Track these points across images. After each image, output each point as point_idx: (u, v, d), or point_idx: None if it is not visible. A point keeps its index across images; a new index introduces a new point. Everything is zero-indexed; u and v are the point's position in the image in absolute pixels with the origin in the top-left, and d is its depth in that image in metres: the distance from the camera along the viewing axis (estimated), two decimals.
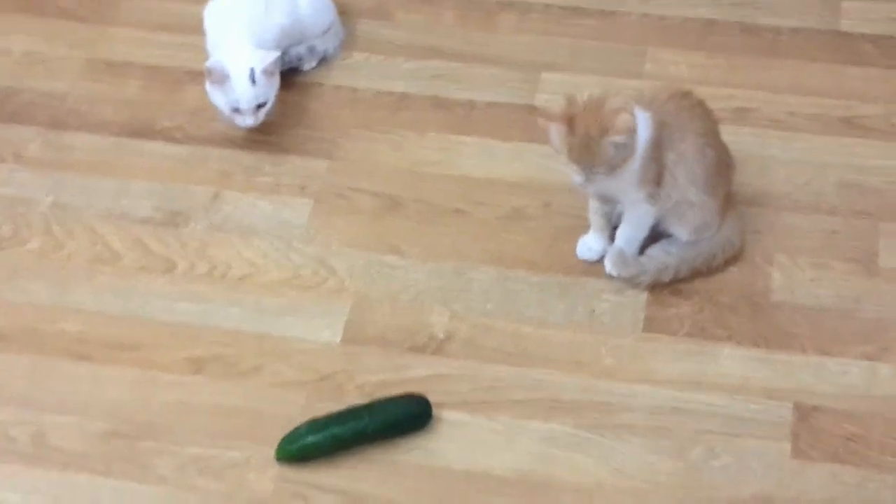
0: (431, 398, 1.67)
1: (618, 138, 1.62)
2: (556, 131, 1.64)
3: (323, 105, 2.08)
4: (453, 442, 1.65)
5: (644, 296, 1.80)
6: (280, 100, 2.02)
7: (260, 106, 1.94)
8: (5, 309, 1.80)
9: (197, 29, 2.13)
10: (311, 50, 2.12)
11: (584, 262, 1.85)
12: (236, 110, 1.93)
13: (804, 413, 1.66)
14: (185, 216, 1.92)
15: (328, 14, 2.14)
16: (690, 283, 1.81)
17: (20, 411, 1.68)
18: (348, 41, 2.18)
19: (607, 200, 1.78)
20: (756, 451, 1.63)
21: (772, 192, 1.93)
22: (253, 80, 1.91)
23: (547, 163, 1.97)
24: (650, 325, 1.77)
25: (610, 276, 1.79)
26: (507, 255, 1.86)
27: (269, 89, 1.94)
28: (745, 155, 1.94)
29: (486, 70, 2.14)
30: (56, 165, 1.99)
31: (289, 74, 2.09)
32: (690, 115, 1.75)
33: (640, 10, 2.22)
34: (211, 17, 2.04)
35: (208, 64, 1.92)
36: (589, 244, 1.85)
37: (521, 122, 2.05)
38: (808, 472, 1.61)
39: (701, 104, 1.77)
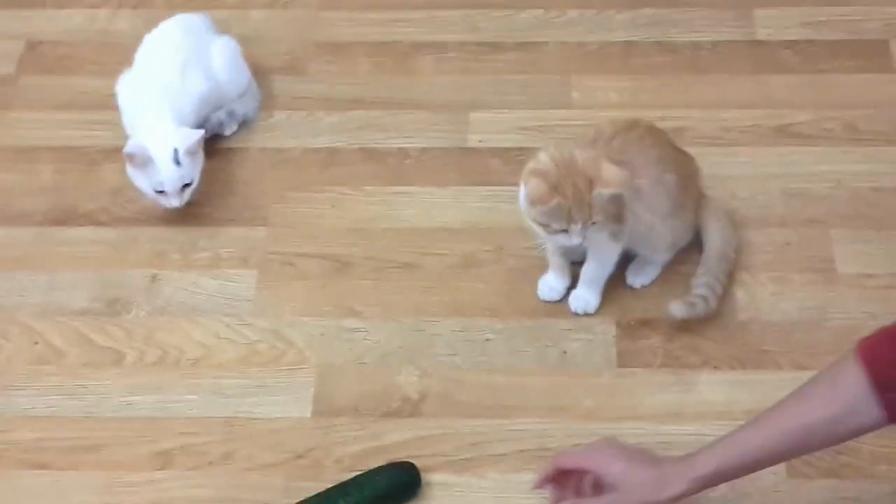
0: (415, 462, 1.62)
1: (609, 192, 1.59)
2: (554, 206, 1.59)
3: (251, 170, 2.01)
4: None
5: (612, 330, 1.77)
6: (206, 169, 1.94)
7: (185, 186, 1.86)
8: None
9: (104, 104, 2.06)
10: (231, 114, 2.05)
11: (547, 302, 1.81)
12: (161, 192, 1.85)
13: None
14: (125, 303, 1.83)
15: (243, 75, 2.07)
16: (655, 313, 1.78)
17: None
18: (266, 101, 2.12)
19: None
20: (751, 477, 1.60)
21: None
22: (177, 162, 1.83)
23: (490, 204, 1.94)
24: (624, 360, 1.74)
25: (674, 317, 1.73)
26: (465, 304, 1.81)
27: (194, 168, 1.87)
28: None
29: (411, 115, 2.09)
30: None
31: (211, 142, 2.02)
32: (640, 146, 1.72)
33: (558, 40, 2.19)
34: (124, 93, 1.96)
35: (128, 149, 1.84)
36: (550, 284, 1.81)
37: (457, 165, 2.01)
38: (806, 490, 1.59)
39: (650, 130, 1.74)
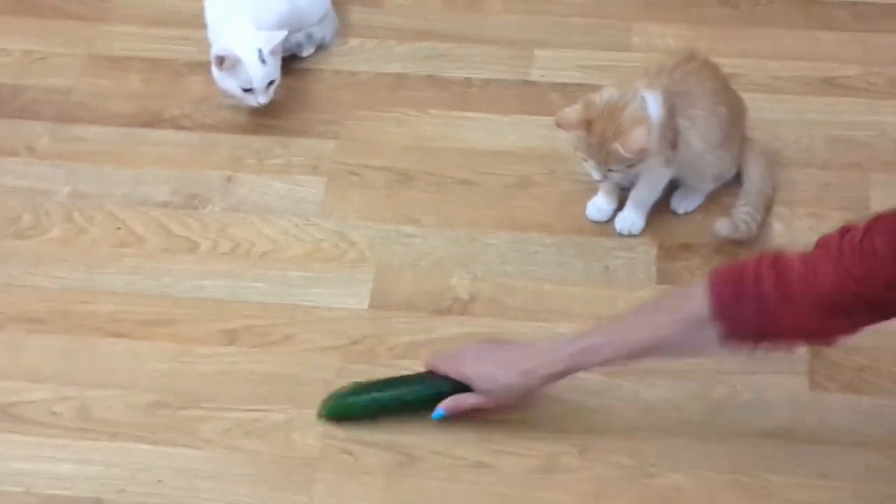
0: None
1: (623, 153, 1.72)
2: (574, 135, 1.74)
3: (325, 89, 2.14)
4: None
5: (654, 251, 1.88)
6: (283, 85, 2.08)
7: (270, 83, 2.00)
8: (37, 294, 1.83)
9: (190, 22, 2.20)
10: (309, 37, 2.18)
11: (594, 223, 1.92)
12: (248, 90, 1.98)
13: (817, 349, 1.74)
14: (203, 199, 1.96)
15: (323, 2, 2.20)
16: (695, 238, 1.89)
17: (62, 388, 1.71)
18: (343, 28, 2.25)
19: None
20: (775, 386, 1.71)
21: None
22: (263, 61, 1.97)
23: (547, 133, 2.04)
24: (663, 277, 1.85)
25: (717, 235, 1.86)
26: (519, 219, 1.93)
27: (277, 67, 2.01)
28: None
29: (478, 49, 2.21)
30: (69, 157, 2.02)
31: (289, 61, 2.15)
32: (697, 78, 1.83)
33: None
34: (212, 7, 2.09)
35: (218, 52, 1.97)
36: (598, 206, 1.93)
37: (519, 96, 2.12)
38: (825, 402, 1.69)
39: (706, 63, 1.85)
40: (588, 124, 1.74)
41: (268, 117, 2.08)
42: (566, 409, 1.69)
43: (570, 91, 2.12)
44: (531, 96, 2.13)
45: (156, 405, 1.69)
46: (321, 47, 2.21)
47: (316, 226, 1.92)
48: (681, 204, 1.93)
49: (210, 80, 2.10)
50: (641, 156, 1.75)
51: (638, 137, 1.72)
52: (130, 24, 2.26)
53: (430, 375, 1.67)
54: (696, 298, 1.43)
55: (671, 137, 1.80)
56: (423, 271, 1.86)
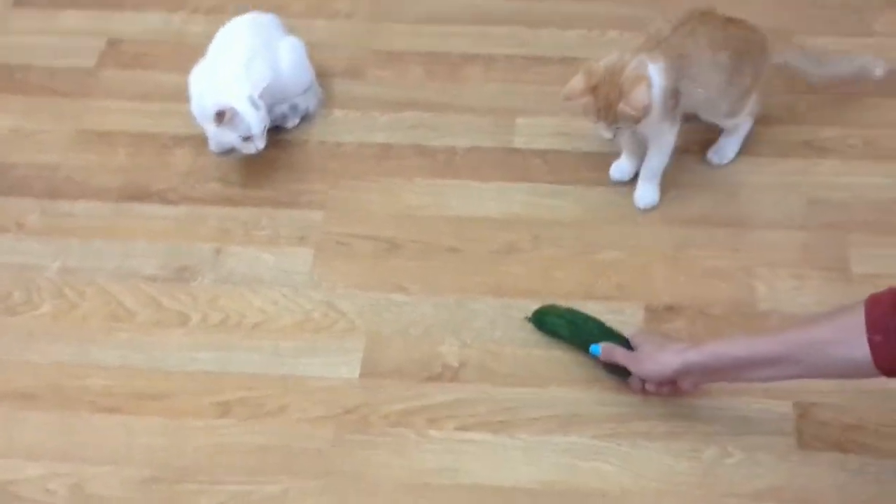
0: (450, 422, 1.76)
1: (629, 111, 1.84)
2: (582, 103, 1.88)
3: (310, 159, 2.17)
4: (479, 461, 1.73)
5: (641, 313, 1.91)
6: (269, 156, 2.11)
7: (264, 128, 2.06)
8: (29, 370, 1.84)
9: (175, 97, 2.22)
10: (294, 108, 2.21)
11: (617, 182, 2.09)
12: (248, 139, 2.03)
13: (804, 409, 1.77)
14: (192, 272, 1.98)
15: (307, 73, 2.24)
16: (681, 300, 1.92)
17: (56, 465, 1.72)
18: (327, 100, 2.28)
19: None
20: (765, 446, 1.74)
21: (744, 212, 2.06)
22: (256, 106, 2.02)
23: (530, 199, 2.09)
24: None
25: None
26: (505, 285, 1.96)
27: (266, 111, 2.06)
28: (717, 181, 2.09)
29: (460, 118, 2.25)
30: (58, 232, 2.04)
31: (274, 133, 2.18)
32: (692, 38, 1.94)
33: (600, 57, 2.33)
34: (195, 80, 2.12)
35: (217, 107, 2.00)
36: (622, 167, 2.09)
37: (502, 164, 2.16)
38: (814, 462, 1.72)
39: (702, 18, 1.96)
40: (593, 90, 1.86)
41: (254, 189, 2.10)
42: (559, 469, 1.70)
43: (551, 157, 2.16)
44: (514, 164, 2.16)
45: (150, 480, 1.70)
46: (306, 118, 2.24)
47: (305, 296, 1.94)
48: (716, 155, 2.11)
49: (196, 153, 2.14)
50: (646, 112, 1.86)
51: (640, 95, 1.83)
52: (116, 100, 2.28)
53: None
54: (850, 312, 1.47)
55: (674, 102, 1.93)
56: (413, 339, 1.88)
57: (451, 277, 1.97)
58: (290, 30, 2.29)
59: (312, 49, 2.28)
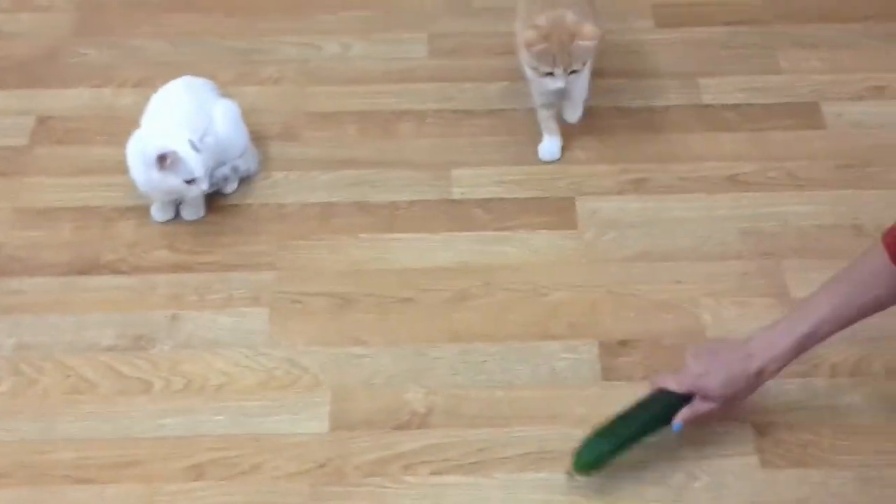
0: (425, 468, 1.80)
1: (586, 43, 2.11)
2: (539, 49, 2.11)
3: (255, 222, 2.19)
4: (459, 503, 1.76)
5: (595, 349, 1.97)
6: (213, 221, 2.14)
7: (207, 171, 2.10)
8: None
9: (114, 169, 2.23)
10: (235, 170, 2.24)
11: (549, 163, 2.28)
12: (191, 181, 2.06)
13: (762, 430, 1.84)
14: (149, 339, 1.99)
15: (243, 134, 2.27)
16: (632, 335, 1.98)
17: None
18: (265, 164, 2.31)
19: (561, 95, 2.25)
20: (729, 468, 1.80)
21: (681, 246, 2.14)
22: (197, 150, 2.06)
23: (477, 247, 2.14)
24: (608, 374, 1.93)
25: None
26: (461, 331, 2.00)
27: (206, 154, 2.10)
28: (652, 219, 2.17)
29: (398, 173, 2.29)
30: (9, 310, 2.03)
31: (215, 197, 2.20)
32: None
33: (526, 106, 2.41)
34: (132, 149, 2.13)
35: (160, 152, 2.03)
36: (549, 147, 2.30)
37: (445, 214, 2.21)
38: (778, 479, 1.79)
39: None
40: (546, 37, 2.10)
41: (203, 254, 2.12)
42: None
43: (492, 205, 2.22)
44: (456, 214, 2.22)
45: None
46: (246, 182, 2.27)
47: (265, 355, 1.96)
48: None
49: (140, 223, 2.15)
50: (597, 41, 2.12)
51: (591, 29, 2.11)
52: (52, 176, 2.28)
53: (659, 394, 1.76)
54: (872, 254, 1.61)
55: (588, 59, 2.19)
56: (378, 389, 1.91)
57: (407, 327, 2.01)
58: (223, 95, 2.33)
59: (246, 114, 2.31)
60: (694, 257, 2.11)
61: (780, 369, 1.70)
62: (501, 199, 2.23)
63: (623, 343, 1.98)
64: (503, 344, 1.98)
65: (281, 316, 2.03)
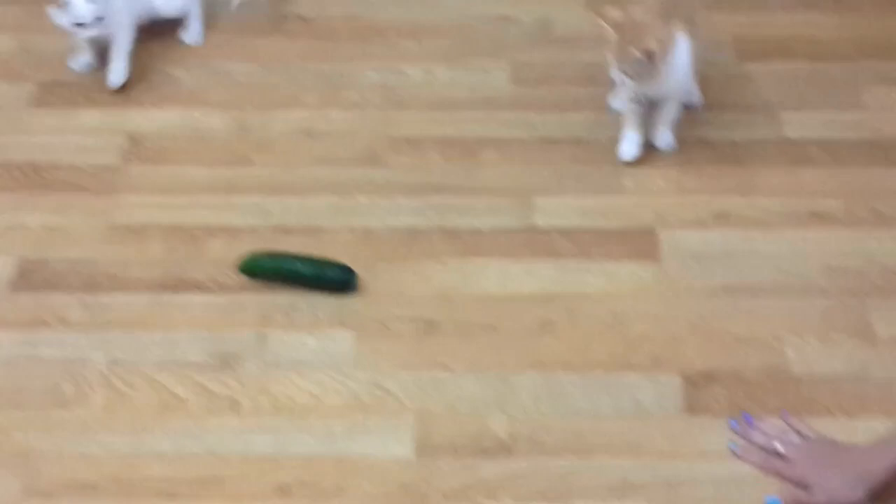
0: (507, 495, 1.82)
1: (633, 51, 2.15)
2: (604, 30, 2.19)
3: (343, 247, 2.22)
4: None
5: (678, 384, 1.97)
6: (301, 245, 2.17)
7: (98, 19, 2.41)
8: (86, 462, 1.86)
9: (200, 189, 2.30)
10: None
11: (628, 161, 2.34)
12: (79, 25, 2.41)
13: None
14: (238, 358, 2.02)
15: None
16: (715, 368, 1.99)
17: None
18: (348, 188, 2.33)
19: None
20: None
21: (765, 281, 2.14)
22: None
23: (559, 276, 2.16)
24: (691, 406, 1.94)
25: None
26: (545, 360, 2.02)
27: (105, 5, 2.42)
28: (735, 252, 2.18)
29: (481, 200, 2.32)
30: (101, 325, 2.07)
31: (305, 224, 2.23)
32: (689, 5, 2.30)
33: (608, 135, 2.43)
34: None
35: None
36: (629, 145, 2.35)
37: (527, 242, 2.23)
38: None
39: None
40: (618, 28, 2.17)
41: None
42: None
43: (574, 234, 2.23)
44: (538, 242, 2.23)
45: None
46: (335, 204, 2.30)
47: (351, 377, 1.99)
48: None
49: (229, 242, 2.20)
50: (650, 58, 2.16)
51: (646, 44, 2.15)
52: (143, 194, 2.33)
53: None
54: None
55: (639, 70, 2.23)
56: (461, 415, 1.93)
57: (490, 353, 2.03)
58: (305, 120, 2.42)
59: (331, 140, 2.38)
60: (777, 292, 2.12)
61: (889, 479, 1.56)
62: (584, 229, 2.25)
63: (706, 376, 1.98)
64: (586, 373, 1.99)
65: (366, 338, 2.05)
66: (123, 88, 2.52)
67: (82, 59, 2.57)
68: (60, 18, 2.41)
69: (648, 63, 2.18)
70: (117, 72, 2.51)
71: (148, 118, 2.50)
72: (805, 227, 2.25)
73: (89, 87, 2.54)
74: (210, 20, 2.69)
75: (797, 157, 2.39)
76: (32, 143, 2.43)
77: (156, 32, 2.63)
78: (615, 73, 2.23)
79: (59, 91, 2.54)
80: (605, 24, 2.20)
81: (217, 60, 2.63)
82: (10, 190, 2.34)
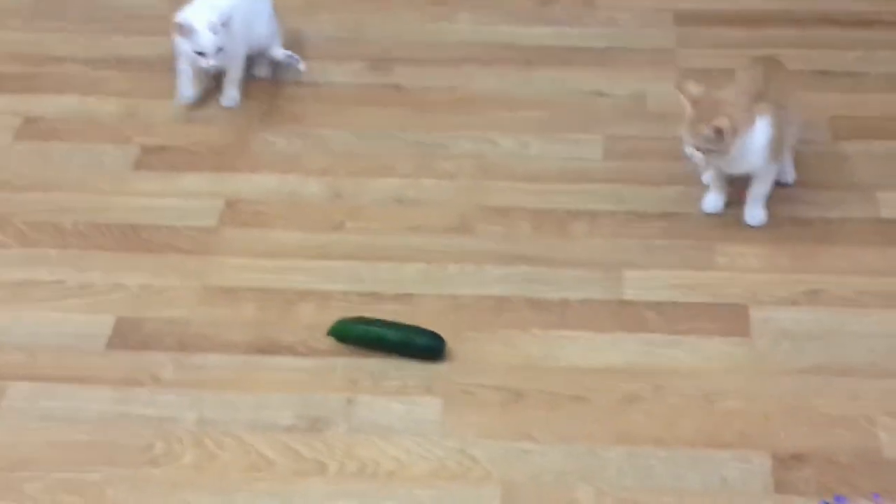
0: None
1: (707, 132, 2.19)
2: (683, 102, 2.24)
3: (432, 314, 2.24)
4: None
5: (768, 464, 1.95)
6: (389, 312, 2.20)
7: (219, 50, 2.59)
8: None
9: (293, 253, 2.35)
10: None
11: (710, 214, 2.42)
12: (200, 53, 2.57)
13: None
14: (326, 421, 2.04)
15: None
16: (806, 449, 1.97)
17: None
18: (439, 255, 2.36)
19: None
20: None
21: (858, 361, 2.12)
22: (214, 31, 2.56)
23: (647, 349, 2.16)
24: (781, 487, 1.91)
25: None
26: (632, 434, 2.01)
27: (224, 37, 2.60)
28: (827, 331, 2.16)
29: (570, 272, 2.33)
30: (193, 385, 2.11)
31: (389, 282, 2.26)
32: (780, 88, 2.32)
33: (700, 210, 2.43)
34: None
35: (179, 21, 2.59)
36: (714, 200, 2.42)
37: (615, 315, 2.23)
38: None
39: (771, 63, 2.40)
40: (694, 102, 2.22)
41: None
42: None
43: (663, 308, 2.23)
44: (626, 315, 2.24)
45: None
46: (421, 271, 2.32)
47: (437, 444, 2.00)
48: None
49: (321, 306, 2.22)
50: (718, 138, 2.18)
51: (718, 121, 2.17)
52: (238, 257, 2.38)
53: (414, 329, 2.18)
54: None
55: (779, 146, 2.30)
56: (547, 486, 1.93)
57: (577, 425, 2.03)
58: (398, 189, 2.49)
59: (422, 207, 2.43)
60: (871, 373, 2.09)
61: None
62: (673, 303, 2.24)
63: (796, 457, 1.96)
64: (673, 449, 1.98)
65: (453, 406, 2.06)
66: (222, 153, 2.58)
67: (185, 93, 2.71)
68: (183, 45, 2.57)
69: (717, 140, 2.20)
70: (230, 98, 2.73)
71: (245, 182, 2.56)
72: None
73: (191, 152, 2.61)
74: (311, 89, 2.78)
75: (892, 238, 2.38)
76: (133, 205, 2.50)
77: (254, 97, 2.69)
78: (686, 148, 2.26)
79: (162, 155, 2.61)
80: (684, 98, 2.24)
81: (314, 128, 2.69)
82: (110, 250, 2.40)
